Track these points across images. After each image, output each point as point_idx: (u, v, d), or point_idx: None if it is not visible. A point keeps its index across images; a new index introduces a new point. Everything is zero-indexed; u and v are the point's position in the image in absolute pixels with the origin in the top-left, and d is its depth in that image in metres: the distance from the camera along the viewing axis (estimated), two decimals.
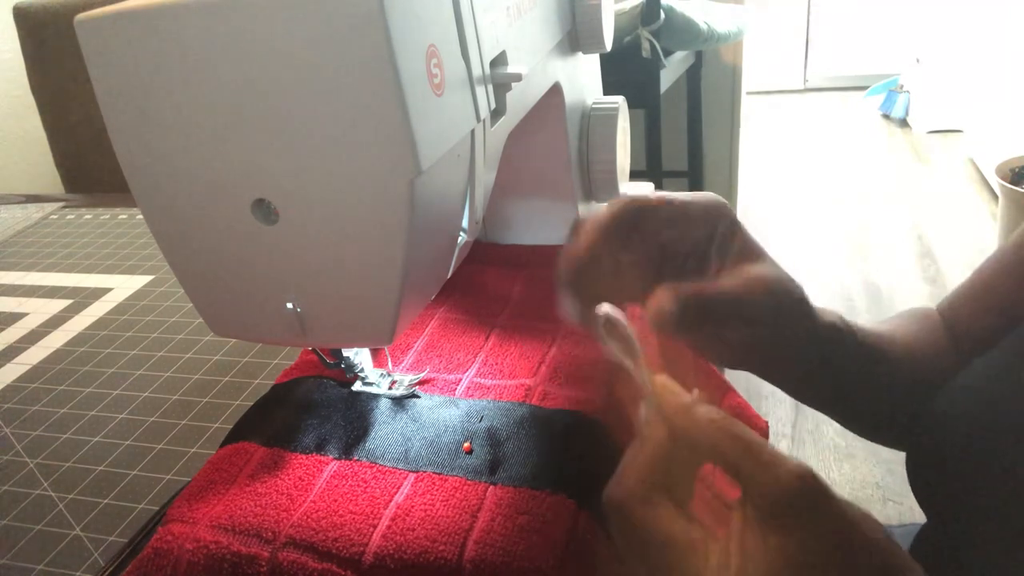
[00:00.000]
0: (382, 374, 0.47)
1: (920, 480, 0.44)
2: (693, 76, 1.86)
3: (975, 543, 0.39)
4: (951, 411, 0.42)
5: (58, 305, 0.75)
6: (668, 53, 1.42)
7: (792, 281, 0.38)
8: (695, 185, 1.97)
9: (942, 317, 0.50)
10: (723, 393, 0.49)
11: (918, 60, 3.26)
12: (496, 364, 0.47)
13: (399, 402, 0.45)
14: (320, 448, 0.42)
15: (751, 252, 0.37)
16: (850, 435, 1.63)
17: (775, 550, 0.28)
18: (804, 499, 0.27)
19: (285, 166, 0.30)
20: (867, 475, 1.53)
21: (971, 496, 0.40)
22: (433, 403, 0.44)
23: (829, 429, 1.66)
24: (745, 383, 0.36)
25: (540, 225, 0.61)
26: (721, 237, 0.37)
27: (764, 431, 0.47)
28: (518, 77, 0.38)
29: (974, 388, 0.41)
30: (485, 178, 0.40)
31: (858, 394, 0.46)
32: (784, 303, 0.37)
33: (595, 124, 0.59)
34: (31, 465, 0.52)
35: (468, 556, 0.34)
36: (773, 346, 0.40)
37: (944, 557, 0.37)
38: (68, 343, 0.67)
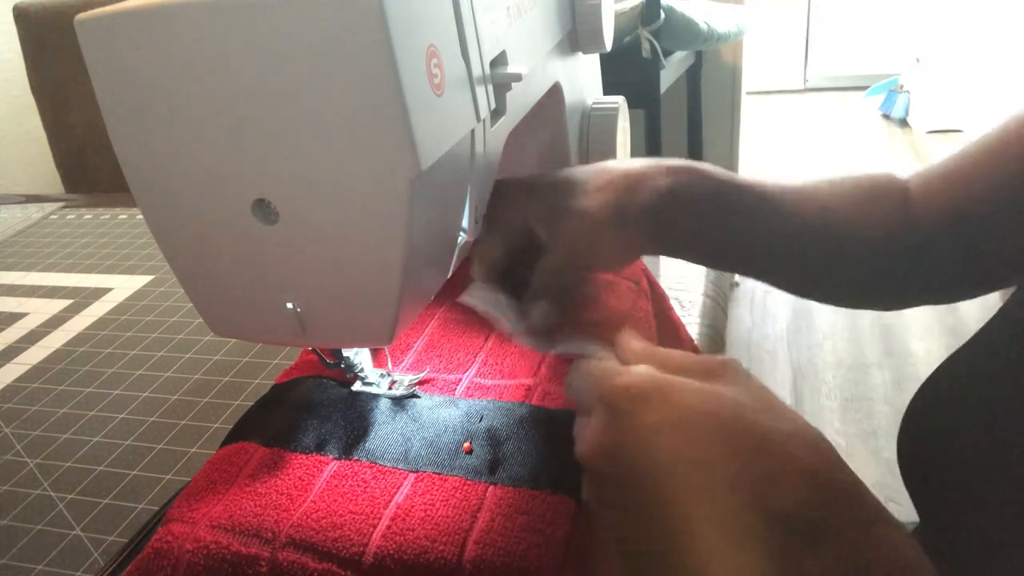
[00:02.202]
0: (382, 374, 0.47)
1: (911, 472, 0.43)
2: (693, 76, 1.86)
3: (969, 540, 0.39)
4: (943, 397, 0.41)
5: (58, 305, 0.75)
6: (668, 53, 1.42)
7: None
8: None
9: (910, 186, 0.45)
10: None
11: (918, 60, 3.26)
12: (496, 364, 0.47)
13: (399, 402, 0.45)
14: (320, 448, 0.42)
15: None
16: (850, 435, 1.64)
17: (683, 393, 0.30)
18: (728, 367, 0.31)
19: (285, 166, 0.30)
20: (866, 475, 1.53)
21: (964, 491, 0.39)
22: (433, 403, 0.44)
23: (828, 429, 1.66)
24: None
25: None
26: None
27: None
28: (518, 77, 0.38)
29: (966, 373, 0.40)
30: (485, 178, 0.40)
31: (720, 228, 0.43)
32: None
33: (595, 124, 0.58)
34: (31, 465, 0.52)
35: (468, 556, 0.34)
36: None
37: (937, 557, 0.37)
38: (68, 343, 0.67)
